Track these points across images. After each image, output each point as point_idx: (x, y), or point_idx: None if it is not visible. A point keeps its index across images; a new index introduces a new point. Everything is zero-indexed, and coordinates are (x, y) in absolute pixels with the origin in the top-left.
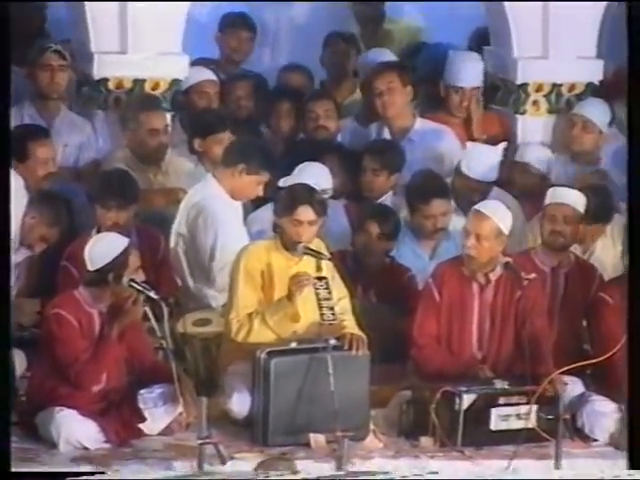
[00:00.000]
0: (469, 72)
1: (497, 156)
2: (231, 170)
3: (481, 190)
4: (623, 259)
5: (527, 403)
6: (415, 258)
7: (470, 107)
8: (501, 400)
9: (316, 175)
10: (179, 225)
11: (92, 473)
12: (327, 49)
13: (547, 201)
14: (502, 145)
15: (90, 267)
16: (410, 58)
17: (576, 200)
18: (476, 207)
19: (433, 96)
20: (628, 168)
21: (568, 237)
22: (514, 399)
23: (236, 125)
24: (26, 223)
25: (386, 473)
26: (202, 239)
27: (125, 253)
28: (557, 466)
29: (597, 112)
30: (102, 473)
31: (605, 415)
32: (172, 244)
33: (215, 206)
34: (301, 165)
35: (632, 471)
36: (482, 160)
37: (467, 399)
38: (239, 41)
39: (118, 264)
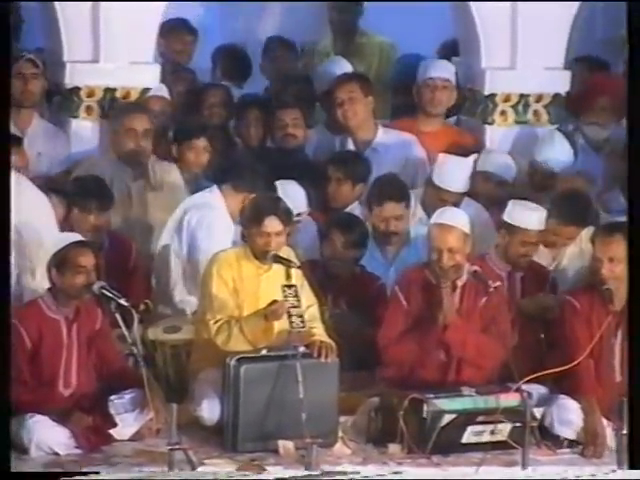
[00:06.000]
0: (438, 66)
1: (469, 167)
2: (241, 197)
3: (452, 201)
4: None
5: (499, 422)
6: (375, 263)
7: (442, 99)
8: (480, 418)
9: (293, 197)
10: (170, 227)
11: (86, 473)
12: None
13: (508, 219)
14: (473, 157)
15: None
16: (383, 71)
17: (536, 221)
18: (435, 220)
19: (405, 106)
20: (628, 168)
21: (531, 255)
22: (492, 417)
23: (209, 133)
24: None
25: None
26: (184, 244)
27: (66, 249)
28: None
29: (559, 158)
30: (97, 473)
31: (572, 411)
32: (163, 242)
33: (209, 217)
34: (278, 182)
35: (633, 471)
36: (454, 172)
37: (447, 418)
38: (183, 44)
39: (58, 259)
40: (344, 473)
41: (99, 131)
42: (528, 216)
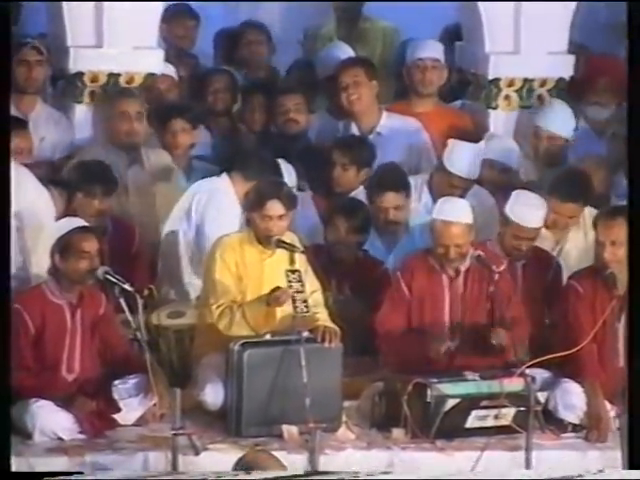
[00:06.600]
0: (427, 46)
1: (479, 153)
2: (248, 185)
3: (462, 187)
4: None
5: (503, 406)
6: (374, 251)
7: (433, 79)
8: (483, 403)
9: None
10: (179, 210)
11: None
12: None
13: (509, 211)
14: (483, 143)
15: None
16: (387, 56)
17: (536, 218)
18: (438, 215)
19: (403, 90)
20: (628, 167)
21: (524, 249)
22: (496, 402)
23: (212, 119)
24: None
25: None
26: (193, 226)
27: (71, 234)
28: (528, 457)
29: (561, 122)
30: (80, 473)
31: (576, 395)
32: (170, 225)
33: (219, 200)
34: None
35: (633, 471)
36: (465, 157)
37: (451, 402)
38: (185, 29)
39: (62, 244)
40: (326, 473)
41: (93, 117)
42: (528, 213)
